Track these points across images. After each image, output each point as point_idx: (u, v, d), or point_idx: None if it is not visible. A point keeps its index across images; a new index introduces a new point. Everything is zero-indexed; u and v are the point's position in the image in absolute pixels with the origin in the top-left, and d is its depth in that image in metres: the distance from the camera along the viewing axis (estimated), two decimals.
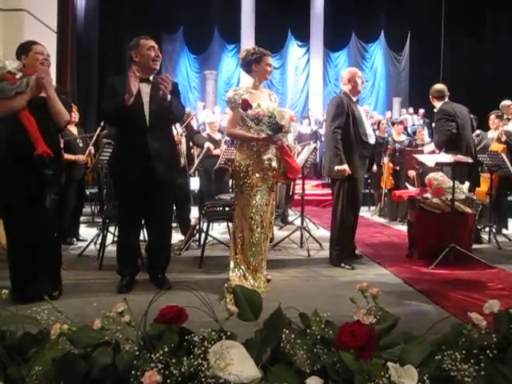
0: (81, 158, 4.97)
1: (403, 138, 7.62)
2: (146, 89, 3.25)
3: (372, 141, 4.13)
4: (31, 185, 2.98)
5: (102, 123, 5.21)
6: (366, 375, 1.29)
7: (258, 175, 3.25)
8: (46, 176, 3.00)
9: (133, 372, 1.33)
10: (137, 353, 1.38)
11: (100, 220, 4.82)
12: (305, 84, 14.56)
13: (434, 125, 5.18)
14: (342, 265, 4.04)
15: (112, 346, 1.41)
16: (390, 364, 1.32)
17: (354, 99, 4.15)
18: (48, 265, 3.10)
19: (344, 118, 4.00)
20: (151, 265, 3.53)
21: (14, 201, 3.01)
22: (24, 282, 3.00)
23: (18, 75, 2.93)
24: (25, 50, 3.06)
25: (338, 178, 4.06)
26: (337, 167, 3.96)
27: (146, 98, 3.23)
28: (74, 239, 5.08)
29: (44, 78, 2.93)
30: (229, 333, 1.45)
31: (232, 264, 3.29)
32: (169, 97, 3.19)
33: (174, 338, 1.39)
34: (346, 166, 3.94)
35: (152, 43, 3.28)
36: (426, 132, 8.11)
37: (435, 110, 4.89)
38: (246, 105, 3.16)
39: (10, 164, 2.98)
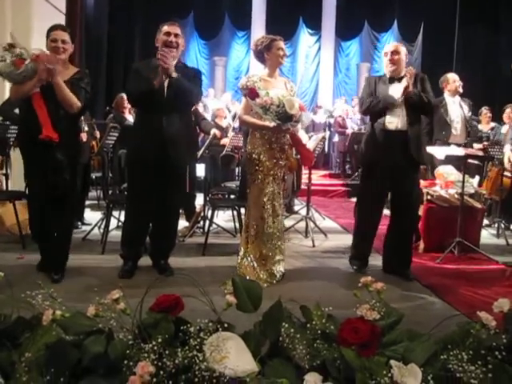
0: (83, 136, 4.92)
1: None
2: None
3: (394, 127, 3.42)
4: (45, 168, 3.06)
5: (107, 107, 5.17)
6: (368, 373, 1.24)
7: (270, 163, 3.23)
8: (57, 160, 3.06)
9: (125, 362, 1.29)
10: (130, 342, 1.33)
11: (104, 204, 4.79)
12: (315, 73, 14.35)
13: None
14: (354, 267, 3.61)
15: (105, 334, 1.37)
16: (392, 362, 1.26)
17: (385, 77, 3.53)
18: (58, 250, 3.20)
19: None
20: (154, 250, 3.51)
21: (30, 184, 3.21)
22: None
23: (27, 61, 2.97)
24: (46, 36, 3.15)
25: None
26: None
27: (165, 82, 3.21)
28: (79, 223, 5.05)
29: (53, 66, 2.96)
30: (226, 324, 1.40)
31: (241, 253, 3.29)
32: (174, 74, 3.14)
33: (169, 328, 1.35)
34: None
35: (168, 29, 3.26)
36: None
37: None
38: (252, 93, 3.11)
39: (26, 147, 3.13)
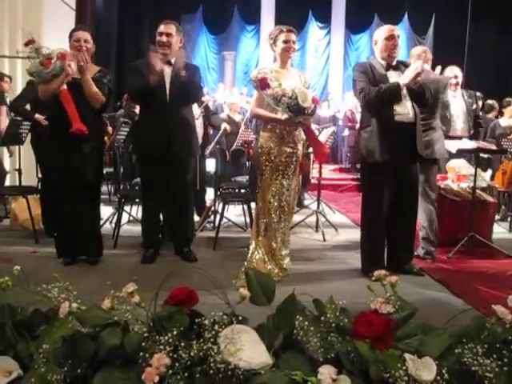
0: None
1: None
2: (167, 70, 3.39)
3: (405, 119, 3.16)
4: (71, 160, 3.26)
5: (118, 103, 5.18)
6: (382, 366, 1.24)
7: (279, 159, 3.21)
8: (83, 153, 3.27)
9: (141, 353, 1.30)
10: (146, 334, 1.35)
11: (116, 199, 4.81)
12: (324, 66, 14.27)
13: None
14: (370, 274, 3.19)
15: (121, 327, 1.39)
16: (407, 355, 1.26)
17: (384, 64, 3.26)
18: (87, 234, 3.43)
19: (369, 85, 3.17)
20: (175, 240, 3.70)
21: (56, 174, 3.37)
22: (66, 248, 3.42)
23: (54, 60, 3.16)
24: (69, 36, 3.34)
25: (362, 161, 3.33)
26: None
27: (167, 79, 3.38)
28: None
29: (83, 64, 3.16)
30: (240, 317, 1.41)
31: (252, 246, 3.30)
32: (183, 72, 3.30)
33: (184, 321, 1.36)
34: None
35: (162, 29, 3.37)
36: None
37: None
38: (263, 84, 3.09)
39: (53, 141, 3.32)
